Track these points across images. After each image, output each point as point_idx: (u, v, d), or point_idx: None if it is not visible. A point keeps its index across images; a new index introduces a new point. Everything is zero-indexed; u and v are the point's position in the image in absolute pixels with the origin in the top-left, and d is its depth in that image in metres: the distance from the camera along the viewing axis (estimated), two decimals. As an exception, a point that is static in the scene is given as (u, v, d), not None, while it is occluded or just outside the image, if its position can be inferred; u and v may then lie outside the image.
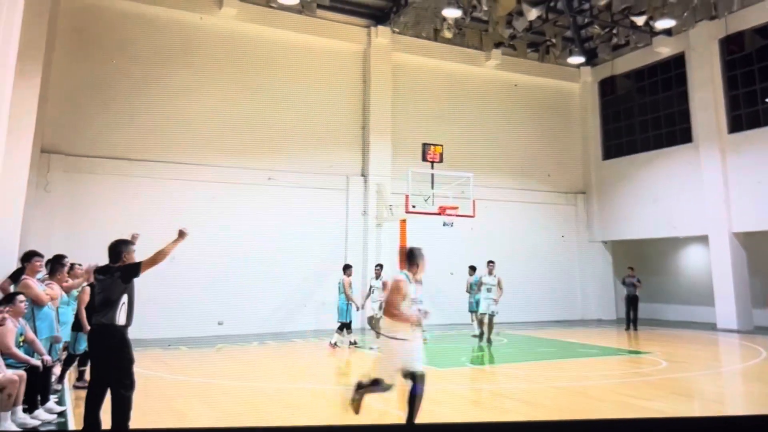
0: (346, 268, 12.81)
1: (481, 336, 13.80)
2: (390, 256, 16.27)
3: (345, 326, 12.47)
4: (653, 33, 18.59)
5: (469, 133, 19.01)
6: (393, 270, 15.20)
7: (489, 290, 13.66)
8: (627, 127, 20.39)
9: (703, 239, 17.60)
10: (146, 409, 6.86)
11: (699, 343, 14.12)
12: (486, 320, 13.55)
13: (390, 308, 5.76)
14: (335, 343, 12.38)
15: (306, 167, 16.62)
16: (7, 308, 6.23)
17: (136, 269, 5.39)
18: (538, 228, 19.64)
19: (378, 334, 10.98)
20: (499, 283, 13.67)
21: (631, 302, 16.39)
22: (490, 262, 14.13)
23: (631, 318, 16.30)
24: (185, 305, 14.27)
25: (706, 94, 17.49)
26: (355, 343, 12.58)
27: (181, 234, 5.49)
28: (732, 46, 17.08)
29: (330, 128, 17.21)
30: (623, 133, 20.48)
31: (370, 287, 12.79)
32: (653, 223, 18.63)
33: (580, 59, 20.51)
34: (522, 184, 19.79)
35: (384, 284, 11.48)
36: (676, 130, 18.68)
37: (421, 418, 7.23)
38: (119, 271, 5.40)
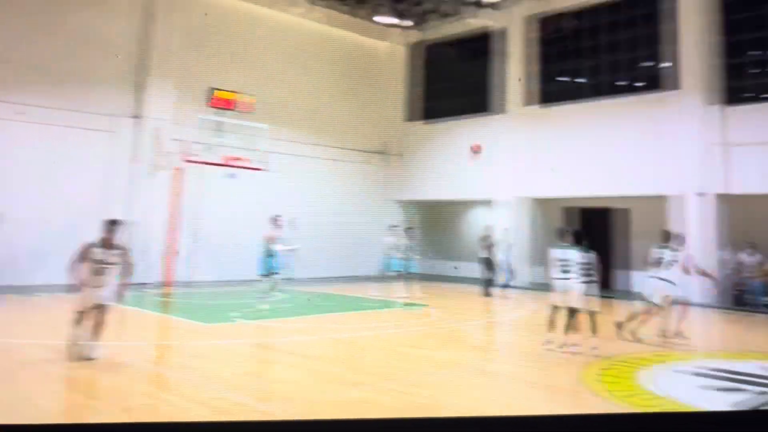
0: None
1: None
2: (164, 206, 15.29)
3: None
4: (469, 3, 19.39)
5: (269, 83, 18.42)
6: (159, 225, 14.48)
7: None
8: (433, 92, 21.32)
9: (490, 202, 19.06)
10: None
11: (476, 296, 15.11)
12: None
13: None
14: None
15: (61, 103, 14.84)
16: None
17: None
18: (336, 185, 19.78)
19: None
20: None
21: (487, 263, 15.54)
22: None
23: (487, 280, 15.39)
24: None
25: (513, 68, 18.94)
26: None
27: None
28: (545, 26, 18.64)
29: (95, 61, 15.51)
30: (429, 98, 21.41)
31: None
32: (447, 185, 19.79)
33: (394, 20, 20.81)
34: (323, 140, 19.72)
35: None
36: (480, 100, 19.89)
37: (182, 375, 6.94)
38: None
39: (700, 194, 14.86)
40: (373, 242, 19.34)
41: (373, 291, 14.92)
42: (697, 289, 11.96)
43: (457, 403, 6.06)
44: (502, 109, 19.22)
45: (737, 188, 14.46)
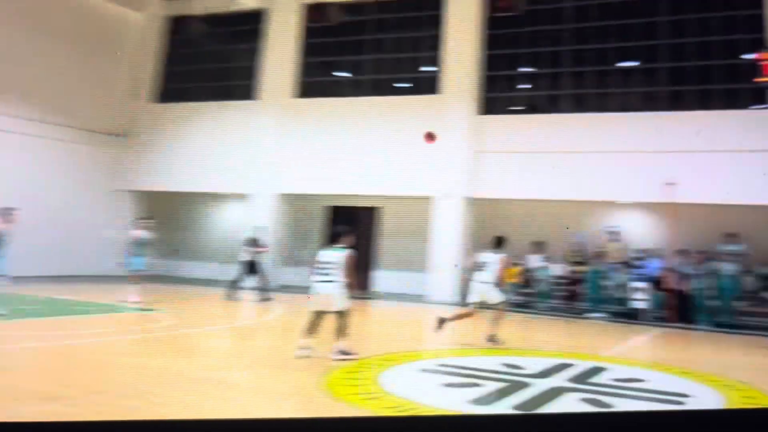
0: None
1: None
2: None
3: None
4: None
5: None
6: None
7: None
8: (190, 73, 19.79)
9: (245, 198, 18.14)
10: None
11: (220, 300, 14.10)
12: None
13: None
14: None
15: None
16: None
17: None
18: (58, 169, 17.61)
19: None
20: None
21: (250, 266, 14.45)
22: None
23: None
24: None
25: (279, 56, 18.30)
26: None
27: None
28: (314, 15, 18.10)
29: None
30: (185, 78, 19.80)
31: None
32: (193, 176, 18.45)
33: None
34: (45, 116, 17.28)
35: None
36: (241, 85, 18.95)
37: None
38: None
39: (464, 197, 15.85)
40: (101, 236, 17.34)
41: (97, 292, 13.35)
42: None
43: (168, 412, 5.27)
44: (260, 97, 18.47)
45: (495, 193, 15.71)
